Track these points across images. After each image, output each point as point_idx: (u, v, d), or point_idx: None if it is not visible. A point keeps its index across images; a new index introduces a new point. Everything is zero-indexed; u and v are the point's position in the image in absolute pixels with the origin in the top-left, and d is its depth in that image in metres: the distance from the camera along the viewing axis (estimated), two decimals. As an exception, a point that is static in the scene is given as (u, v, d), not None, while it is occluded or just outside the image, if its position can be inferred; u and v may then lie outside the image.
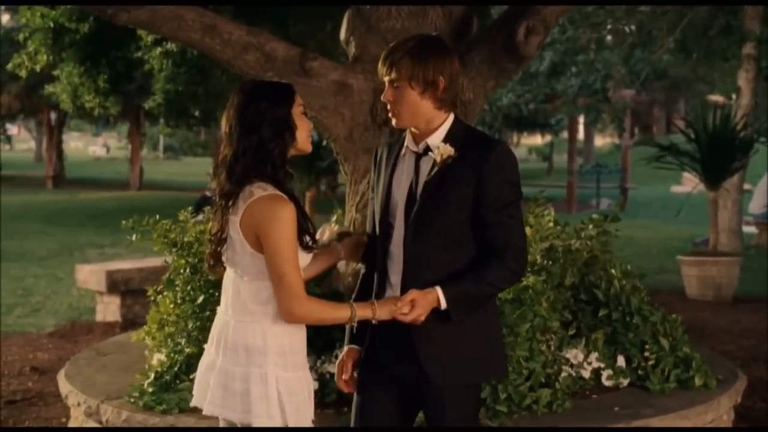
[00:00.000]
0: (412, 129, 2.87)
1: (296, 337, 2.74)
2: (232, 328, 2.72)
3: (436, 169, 2.80)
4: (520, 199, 2.86)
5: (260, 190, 2.67)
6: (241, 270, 2.71)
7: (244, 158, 2.69)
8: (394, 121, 2.86)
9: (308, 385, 2.76)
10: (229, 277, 2.79)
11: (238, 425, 2.71)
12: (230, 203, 2.71)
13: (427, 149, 2.84)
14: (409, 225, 2.80)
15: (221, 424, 2.80)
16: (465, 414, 2.86)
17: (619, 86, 19.20)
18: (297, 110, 2.75)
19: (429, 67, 2.78)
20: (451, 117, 2.87)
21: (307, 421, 2.74)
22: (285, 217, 2.64)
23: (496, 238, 2.79)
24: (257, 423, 2.65)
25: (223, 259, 2.76)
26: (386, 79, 2.82)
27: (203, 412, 2.76)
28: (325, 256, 2.96)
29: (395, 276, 2.84)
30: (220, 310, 2.83)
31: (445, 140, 2.82)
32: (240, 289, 2.73)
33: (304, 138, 2.76)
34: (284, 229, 2.63)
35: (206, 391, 2.75)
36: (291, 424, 2.67)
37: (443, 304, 2.74)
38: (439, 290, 2.74)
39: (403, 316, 2.71)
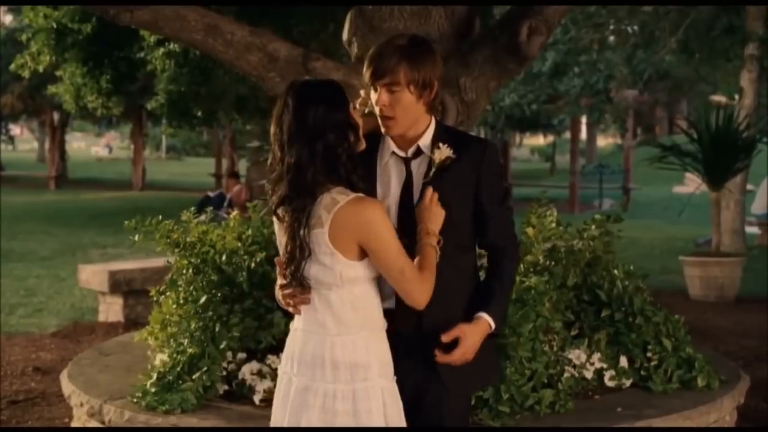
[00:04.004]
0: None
1: (388, 346, 2.70)
2: (331, 345, 2.61)
3: (434, 171, 2.77)
4: (507, 189, 2.98)
5: (342, 196, 2.57)
6: (330, 282, 2.61)
7: (312, 166, 2.56)
8: (385, 129, 2.77)
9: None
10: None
11: None
12: (306, 216, 2.58)
13: (418, 152, 2.81)
14: (417, 232, 2.75)
15: None
16: (461, 419, 2.85)
17: (621, 86, 19.20)
18: (351, 109, 2.67)
19: (426, 71, 2.74)
20: (433, 119, 2.86)
21: (404, 423, 2.69)
22: (379, 215, 2.58)
23: (498, 234, 2.85)
24: None
25: (306, 275, 2.62)
26: (380, 83, 2.73)
27: None
28: None
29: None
30: (299, 328, 2.70)
31: (435, 141, 2.79)
32: (330, 302, 2.62)
33: (361, 137, 2.69)
34: (384, 226, 2.58)
35: (300, 415, 2.62)
36: None
37: (493, 327, 2.77)
38: (486, 316, 2.75)
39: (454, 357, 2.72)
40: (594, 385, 4.14)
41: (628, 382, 4.18)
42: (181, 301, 4.38)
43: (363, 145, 2.70)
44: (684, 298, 9.71)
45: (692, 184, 15.92)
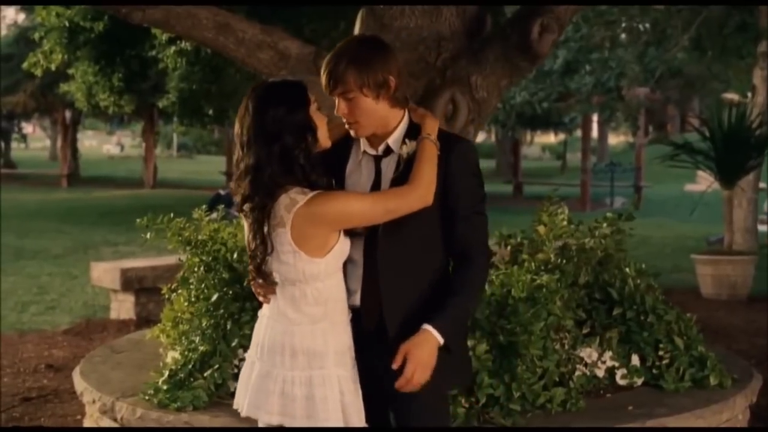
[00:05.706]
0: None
1: (350, 336, 2.73)
2: (291, 333, 2.67)
3: (402, 167, 2.74)
4: (485, 196, 2.83)
5: (300, 195, 2.61)
6: (294, 279, 2.66)
7: (269, 168, 2.61)
8: (353, 132, 2.78)
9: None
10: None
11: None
12: (266, 215, 2.63)
13: (388, 150, 2.79)
14: (379, 228, 2.72)
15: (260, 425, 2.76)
16: (433, 416, 2.79)
17: (633, 84, 19.15)
18: (313, 109, 2.69)
19: (376, 70, 2.69)
20: (407, 115, 2.82)
21: (363, 419, 2.72)
22: (336, 200, 2.64)
23: (468, 240, 2.76)
24: (321, 425, 2.62)
25: (270, 270, 2.68)
26: (335, 93, 2.72)
27: (262, 423, 2.71)
28: None
29: (355, 282, 2.76)
30: (266, 315, 2.77)
31: (406, 138, 2.77)
32: (294, 296, 2.68)
33: (323, 135, 2.71)
34: (346, 204, 2.64)
35: (260, 399, 2.69)
36: (352, 424, 2.67)
37: (440, 341, 2.65)
38: (430, 329, 2.64)
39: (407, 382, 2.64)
40: (605, 384, 4.13)
41: (639, 381, 4.17)
42: (193, 299, 4.39)
43: (327, 144, 2.73)
44: (696, 297, 9.68)
45: (704, 182, 15.84)
